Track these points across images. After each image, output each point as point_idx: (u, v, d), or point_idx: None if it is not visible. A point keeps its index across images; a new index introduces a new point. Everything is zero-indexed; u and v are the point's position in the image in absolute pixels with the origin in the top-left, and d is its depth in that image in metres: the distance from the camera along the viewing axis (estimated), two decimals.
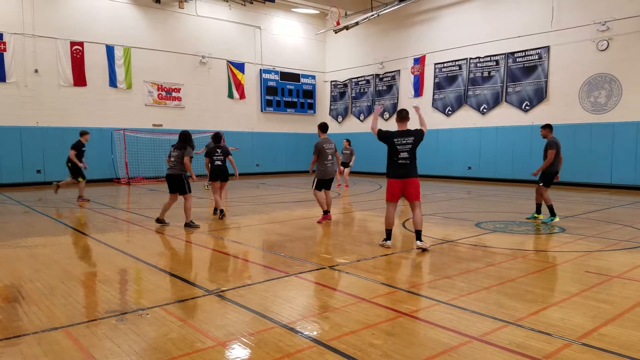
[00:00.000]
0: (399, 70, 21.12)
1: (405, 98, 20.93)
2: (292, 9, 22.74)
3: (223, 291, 4.62)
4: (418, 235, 6.41)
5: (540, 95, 16.37)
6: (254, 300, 4.34)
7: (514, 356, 3.16)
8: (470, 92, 18.46)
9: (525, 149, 16.61)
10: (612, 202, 11.87)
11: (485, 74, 17.91)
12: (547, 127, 8.87)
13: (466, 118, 18.59)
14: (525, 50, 16.63)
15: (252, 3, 21.48)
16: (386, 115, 21.81)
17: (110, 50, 17.95)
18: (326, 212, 8.94)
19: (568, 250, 6.44)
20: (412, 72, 20.46)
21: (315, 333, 3.60)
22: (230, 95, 21.50)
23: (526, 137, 16.57)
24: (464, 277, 5.13)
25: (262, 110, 22.64)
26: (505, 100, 17.37)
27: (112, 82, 18.08)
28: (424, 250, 6.34)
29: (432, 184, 17.00)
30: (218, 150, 9.61)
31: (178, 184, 8.24)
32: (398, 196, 6.54)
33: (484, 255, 6.15)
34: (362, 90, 23.04)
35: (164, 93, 19.44)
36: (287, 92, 23.38)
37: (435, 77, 19.63)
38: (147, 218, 9.42)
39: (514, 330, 3.62)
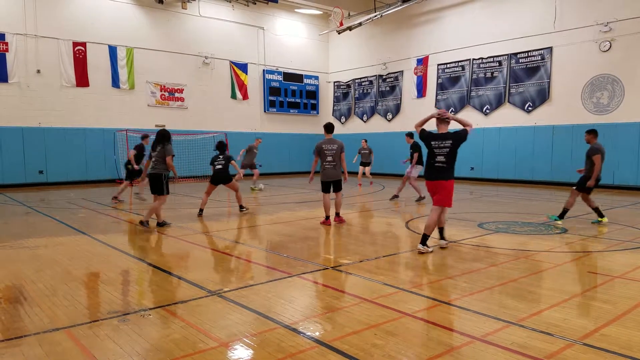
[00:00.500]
0: (402, 71, 21.11)
1: (409, 99, 20.92)
2: (295, 10, 22.76)
3: (225, 292, 4.63)
4: (440, 233, 6.59)
5: (543, 96, 16.33)
6: (257, 301, 4.34)
7: (515, 356, 3.15)
8: (473, 93, 18.43)
9: (528, 149, 16.58)
10: (615, 203, 11.83)
11: (488, 74, 17.89)
12: (592, 133, 8.66)
13: (469, 119, 18.41)
14: (528, 51, 16.61)
15: (255, 3, 21.51)
16: (389, 116, 21.80)
17: (113, 50, 17.99)
18: (327, 218, 8.66)
19: (570, 250, 6.43)
20: (415, 73, 20.44)
21: (317, 333, 3.60)
22: (234, 96, 21.53)
23: (529, 137, 16.54)
24: (466, 277, 5.12)
25: (265, 111, 22.66)
26: (508, 101, 17.34)
27: (115, 83, 18.12)
28: (441, 247, 6.48)
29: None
30: (220, 157, 9.96)
31: (157, 183, 8.09)
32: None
33: (487, 256, 6.14)
34: (365, 91, 23.03)
35: (166, 94, 19.47)
36: (290, 92, 23.39)
37: (438, 77, 19.61)
38: (149, 219, 9.43)
39: (516, 330, 3.61)
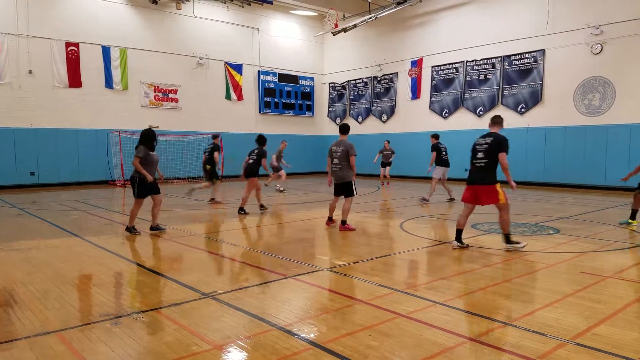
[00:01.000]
0: (396, 73, 21.17)
1: (403, 100, 20.98)
2: (290, 11, 22.77)
3: (219, 294, 4.61)
4: (505, 238, 6.48)
5: (535, 98, 16.44)
6: (251, 303, 4.33)
7: (509, 356, 3.17)
8: (466, 95, 18.52)
9: (521, 151, 16.66)
10: (606, 204, 11.92)
11: (482, 76, 17.98)
12: None
13: (463, 120, 18.65)
14: (521, 54, 16.72)
15: (250, 4, 21.49)
16: (384, 117, 21.85)
17: (106, 51, 17.90)
18: (329, 219, 8.46)
19: (562, 251, 6.47)
20: (410, 75, 20.51)
21: (312, 335, 3.60)
22: (228, 97, 21.48)
23: (522, 139, 16.63)
24: (460, 278, 5.14)
25: (260, 112, 22.63)
26: (501, 103, 17.43)
27: (108, 83, 18.03)
28: (507, 250, 6.41)
29: (428, 186, 17.01)
30: (255, 151, 10.56)
31: (131, 186, 7.89)
32: (468, 199, 6.53)
33: (480, 256, 6.16)
34: (360, 93, 23.08)
35: (160, 94, 19.40)
36: (285, 93, 23.38)
37: (432, 79, 19.69)
38: (143, 220, 9.39)
39: (509, 330, 3.63)
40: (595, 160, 15.00)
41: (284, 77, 23.21)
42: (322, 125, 24.94)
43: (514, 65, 16.95)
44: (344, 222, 8.08)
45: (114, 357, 3.22)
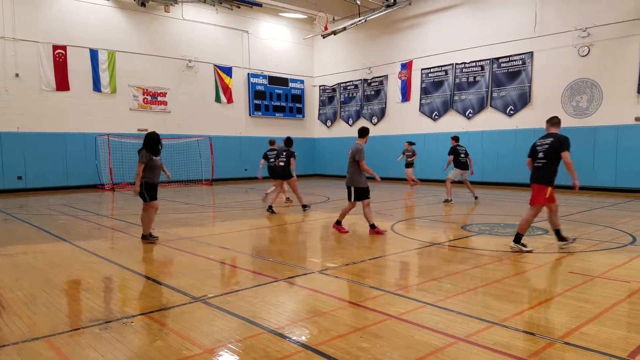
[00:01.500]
0: (386, 75, 21.27)
1: (393, 103, 21.08)
2: (280, 14, 22.78)
3: (210, 298, 4.58)
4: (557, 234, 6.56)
5: (524, 100, 16.62)
6: (242, 307, 4.31)
7: (498, 356, 3.19)
8: (456, 97, 18.66)
9: (510, 152, 16.83)
10: (594, 204, 12.07)
11: (471, 79, 18.13)
12: None
13: (452, 123, 18.78)
14: (509, 56, 16.89)
15: (239, 7, 21.46)
16: (374, 119, 21.92)
17: (94, 54, 17.75)
18: (337, 222, 8.21)
19: (551, 251, 6.54)
20: (400, 78, 20.62)
21: (303, 338, 3.60)
22: (218, 100, 21.41)
23: (511, 141, 16.79)
24: (450, 279, 5.17)
25: (250, 115, 22.58)
26: (490, 105, 17.59)
27: (96, 87, 17.88)
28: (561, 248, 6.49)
29: (420, 188, 17.11)
30: (284, 153, 10.96)
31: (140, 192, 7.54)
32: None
33: (470, 257, 6.20)
34: (350, 95, 23.14)
35: (149, 97, 19.27)
36: (275, 96, 23.36)
37: (422, 82, 19.81)
38: (132, 225, 9.32)
39: (499, 330, 3.65)
40: (583, 162, 15.16)
41: (274, 80, 23.20)
42: (313, 127, 24.96)
43: (503, 67, 17.12)
44: (372, 226, 7.90)
45: None
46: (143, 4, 18.53)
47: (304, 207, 11.04)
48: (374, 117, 21.90)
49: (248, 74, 22.30)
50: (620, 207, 11.27)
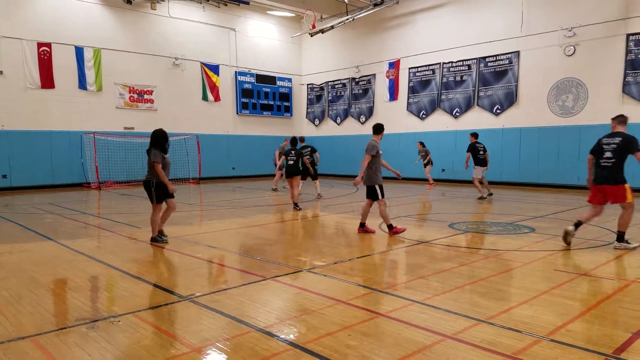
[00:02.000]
0: (374, 74, 21.33)
1: (381, 102, 21.14)
2: (267, 12, 22.69)
3: (198, 296, 4.56)
4: (617, 236, 6.56)
5: (510, 99, 16.79)
6: (230, 305, 4.30)
7: (485, 353, 3.23)
8: (443, 96, 18.79)
9: (497, 151, 16.98)
10: (580, 203, 12.24)
11: (458, 78, 18.27)
12: None
13: (440, 121, 18.92)
14: (496, 55, 17.05)
15: (227, 5, 21.33)
16: (362, 118, 21.98)
17: (79, 51, 17.50)
18: (361, 225, 7.97)
19: (537, 249, 6.63)
20: (387, 76, 20.69)
21: (291, 336, 3.60)
22: (205, 98, 21.26)
23: (497, 139, 16.96)
24: (438, 277, 5.21)
25: (237, 113, 22.47)
26: (477, 104, 17.75)
27: (82, 84, 17.63)
28: (615, 248, 6.49)
29: (407, 186, 17.21)
30: (292, 152, 11.34)
31: (147, 191, 7.35)
32: (595, 199, 6.56)
33: (458, 255, 6.26)
34: (338, 94, 23.15)
35: (135, 95, 19.07)
36: (263, 94, 23.27)
37: (409, 81, 19.91)
38: (118, 223, 9.23)
39: (486, 328, 3.70)
40: (569, 160, 15.39)
41: (261, 78, 23.11)
42: (301, 126, 24.93)
43: (490, 66, 17.28)
44: (390, 227, 7.63)
45: None
46: (129, 1, 18.30)
47: (296, 205, 11.06)
48: (361, 116, 21.96)
49: (235, 72, 22.18)
50: (605, 206, 11.41)
